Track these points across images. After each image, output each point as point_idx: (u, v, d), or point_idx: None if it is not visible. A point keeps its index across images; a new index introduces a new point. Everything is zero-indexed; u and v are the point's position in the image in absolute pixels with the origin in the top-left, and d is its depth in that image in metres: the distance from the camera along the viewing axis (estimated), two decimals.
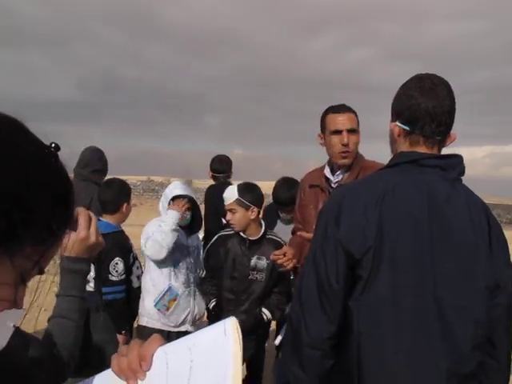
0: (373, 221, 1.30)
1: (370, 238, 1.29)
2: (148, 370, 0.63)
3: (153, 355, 0.64)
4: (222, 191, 4.11)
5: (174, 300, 3.02)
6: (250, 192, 2.85)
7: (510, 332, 1.43)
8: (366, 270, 1.29)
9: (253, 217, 2.81)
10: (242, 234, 2.87)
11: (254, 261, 2.84)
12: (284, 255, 2.38)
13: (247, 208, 2.80)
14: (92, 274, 3.11)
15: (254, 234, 2.87)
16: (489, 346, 1.38)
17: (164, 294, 2.99)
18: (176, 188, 3.12)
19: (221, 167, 4.27)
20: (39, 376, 0.85)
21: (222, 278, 2.91)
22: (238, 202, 2.81)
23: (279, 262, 2.42)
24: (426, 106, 1.37)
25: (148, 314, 3.05)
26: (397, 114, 1.45)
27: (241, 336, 0.61)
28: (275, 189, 3.50)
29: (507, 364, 1.44)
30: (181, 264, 3.08)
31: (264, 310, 2.86)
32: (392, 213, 1.31)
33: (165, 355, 0.64)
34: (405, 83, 1.46)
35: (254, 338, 2.89)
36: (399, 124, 1.43)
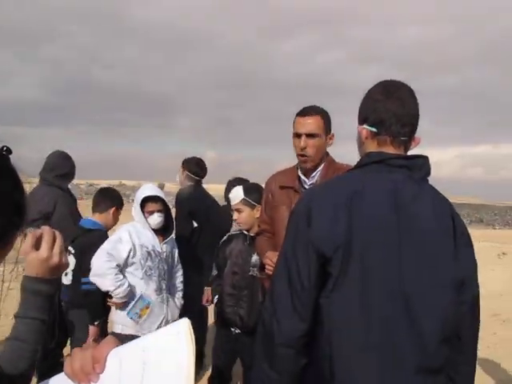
0: (342, 220, 1.33)
1: (340, 236, 1.31)
2: (101, 372, 0.63)
3: (106, 357, 0.64)
4: (196, 194, 4.08)
5: (147, 308, 2.99)
6: (255, 192, 2.97)
7: (476, 327, 1.48)
8: (335, 268, 1.31)
9: (258, 215, 2.93)
10: (245, 231, 2.99)
11: (254, 257, 2.90)
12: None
13: (252, 207, 2.93)
14: (71, 266, 3.24)
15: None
16: (456, 341, 1.42)
17: (136, 303, 2.96)
18: (146, 189, 3.10)
19: (201, 172, 4.21)
20: None
21: (225, 274, 3.00)
22: (244, 201, 2.94)
23: (267, 268, 2.46)
24: (390, 107, 1.44)
25: (122, 321, 3.01)
26: (363, 117, 1.51)
27: (193, 337, 0.62)
28: (227, 188, 3.64)
29: (473, 358, 1.49)
30: (152, 271, 3.04)
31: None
32: (361, 212, 1.34)
33: (118, 357, 0.64)
34: (370, 89, 1.53)
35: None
36: (366, 126, 1.49)
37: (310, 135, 2.36)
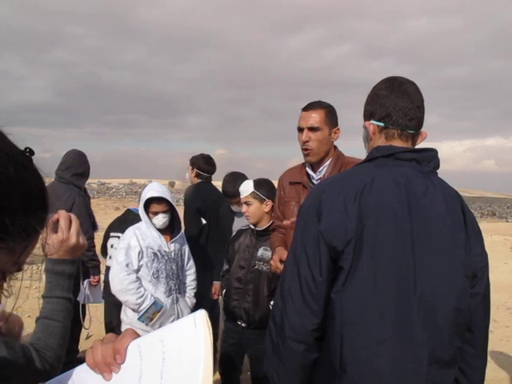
0: (353, 213, 1.33)
1: (351, 229, 1.32)
2: (122, 362, 0.66)
3: (126, 348, 0.66)
4: (204, 191, 4.09)
5: (159, 311, 2.99)
6: (265, 186, 3.02)
7: (488, 319, 1.47)
8: (347, 262, 1.31)
9: (266, 210, 2.98)
10: (252, 226, 3.04)
11: (260, 251, 2.94)
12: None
13: (262, 201, 2.98)
14: (116, 245, 3.35)
15: (265, 226, 3.01)
16: (468, 333, 1.42)
17: (149, 308, 2.95)
18: (151, 190, 3.07)
19: (211, 168, 4.23)
20: (11, 377, 0.84)
21: (232, 268, 3.04)
22: (253, 195, 2.98)
23: (272, 269, 2.53)
24: (397, 101, 1.45)
25: (129, 321, 3.01)
26: (370, 113, 1.52)
27: (211, 327, 0.63)
28: (224, 183, 3.70)
29: (484, 351, 1.49)
30: (159, 273, 3.03)
31: (272, 302, 2.92)
32: (371, 205, 1.34)
33: (138, 348, 0.66)
34: (375, 86, 1.54)
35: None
36: (373, 122, 1.50)
37: (312, 129, 2.39)
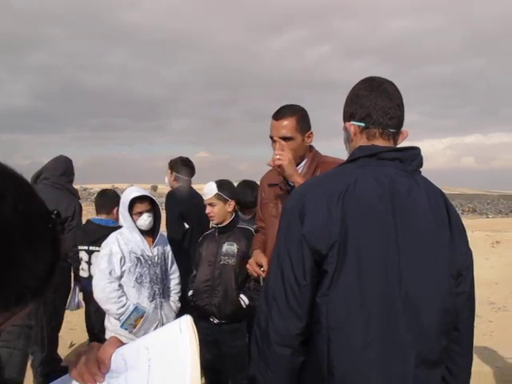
0: (336, 215, 1.31)
1: (335, 232, 1.30)
2: (106, 372, 0.64)
3: (111, 357, 0.65)
4: (187, 195, 4.04)
5: (141, 317, 2.95)
6: (227, 187, 3.19)
7: (473, 317, 1.47)
8: (331, 265, 1.29)
9: (230, 209, 3.15)
10: (214, 224, 3.18)
11: (225, 247, 3.07)
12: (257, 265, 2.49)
13: (225, 202, 3.12)
14: (86, 258, 3.46)
15: (226, 223, 3.14)
16: (454, 332, 1.42)
17: (130, 315, 2.92)
18: (132, 192, 3.08)
19: (190, 171, 4.16)
20: None
21: (200, 268, 3.14)
22: (217, 196, 3.12)
23: (248, 269, 2.55)
24: (376, 101, 1.45)
25: (114, 328, 2.98)
26: (350, 114, 1.51)
27: (196, 333, 0.63)
28: (241, 193, 3.59)
29: (470, 349, 1.49)
30: (143, 278, 3.00)
31: (242, 296, 3.00)
32: (355, 206, 1.33)
33: (122, 356, 0.65)
34: (353, 86, 1.53)
35: (244, 324, 3.04)
36: (354, 122, 1.49)
37: (284, 138, 2.33)
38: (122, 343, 0.68)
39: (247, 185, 3.65)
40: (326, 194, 1.35)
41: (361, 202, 1.33)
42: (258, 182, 3.06)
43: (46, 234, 0.58)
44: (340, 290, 1.29)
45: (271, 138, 2.39)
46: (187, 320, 0.65)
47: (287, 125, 2.34)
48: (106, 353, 0.65)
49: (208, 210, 3.13)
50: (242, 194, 3.52)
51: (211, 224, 3.34)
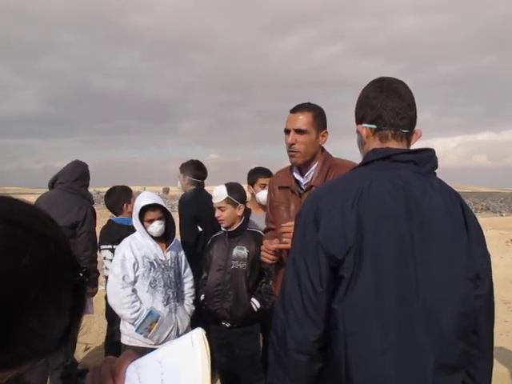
0: (351, 220, 1.30)
1: (350, 237, 1.29)
2: None
3: (125, 371, 0.65)
4: (200, 198, 4.04)
5: (156, 321, 2.96)
6: (237, 191, 3.13)
7: (492, 321, 1.45)
8: (348, 270, 1.28)
9: (239, 213, 3.11)
10: (224, 228, 3.14)
11: (235, 251, 3.05)
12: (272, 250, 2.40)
13: (235, 205, 3.08)
14: (110, 256, 3.50)
15: (236, 227, 3.12)
16: (473, 335, 1.39)
17: (145, 319, 2.93)
18: (144, 198, 3.08)
19: (202, 174, 4.16)
20: None
21: (210, 272, 3.13)
22: (227, 200, 3.07)
23: (262, 254, 2.47)
24: (387, 102, 1.43)
25: (129, 333, 2.99)
26: (361, 116, 1.49)
27: (208, 346, 0.64)
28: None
29: (490, 352, 1.46)
30: (157, 282, 3.01)
31: (253, 299, 2.99)
32: (370, 210, 1.31)
33: (136, 370, 0.66)
34: (364, 88, 1.52)
35: (256, 327, 3.05)
36: (366, 125, 1.47)
37: (298, 131, 2.34)
38: (137, 356, 0.68)
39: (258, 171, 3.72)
40: (340, 199, 1.34)
41: (376, 206, 1.32)
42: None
43: (64, 296, 0.54)
44: (356, 295, 1.28)
45: (285, 130, 2.39)
46: (199, 333, 0.65)
47: (303, 118, 2.36)
48: (120, 366, 0.66)
49: (217, 213, 3.10)
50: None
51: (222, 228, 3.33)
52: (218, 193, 3.11)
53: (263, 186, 3.71)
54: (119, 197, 3.84)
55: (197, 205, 3.98)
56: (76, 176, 3.83)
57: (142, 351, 0.74)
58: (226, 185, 3.14)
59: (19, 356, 0.50)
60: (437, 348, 1.28)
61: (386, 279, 1.28)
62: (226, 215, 3.07)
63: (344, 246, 1.29)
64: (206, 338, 0.64)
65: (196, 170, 4.12)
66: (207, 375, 0.61)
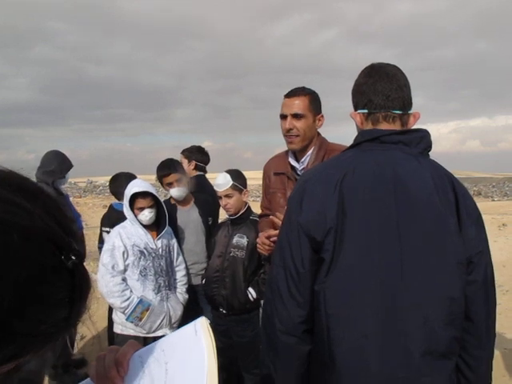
0: (333, 202, 1.29)
1: (330, 219, 1.28)
2: (125, 375, 0.65)
3: (129, 360, 0.66)
4: (204, 184, 3.95)
5: (147, 310, 2.95)
6: (240, 176, 3.11)
7: (490, 308, 1.37)
8: (328, 252, 1.28)
9: (245, 199, 3.10)
10: (229, 216, 3.12)
11: (235, 239, 3.05)
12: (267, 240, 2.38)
13: (241, 191, 3.06)
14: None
15: (239, 214, 3.09)
16: (466, 322, 1.34)
17: (135, 308, 2.92)
18: (134, 186, 3.03)
19: (208, 159, 4.09)
20: None
21: (211, 258, 3.16)
22: (233, 186, 3.03)
23: (258, 246, 2.46)
24: (375, 85, 1.41)
25: (121, 321, 2.99)
26: (355, 104, 1.48)
27: (212, 334, 0.64)
28: None
29: (487, 340, 1.38)
30: (147, 270, 3.00)
31: (250, 289, 2.99)
32: (352, 192, 1.30)
33: (140, 359, 0.66)
34: (357, 77, 1.50)
35: (254, 314, 3.03)
36: (358, 111, 1.46)
37: (295, 116, 2.32)
38: (141, 346, 0.69)
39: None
40: (324, 181, 1.33)
41: (359, 188, 1.30)
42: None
43: (53, 286, 0.48)
44: (337, 278, 1.27)
45: (282, 116, 2.36)
46: (203, 322, 0.65)
47: (299, 103, 2.33)
48: (124, 356, 0.66)
49: (224, 202, 3.04)
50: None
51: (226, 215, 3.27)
52: (223, 180, 3.04)
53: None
54: (122, 183, 3.78)
55: (204, 190, 3.86)
56: (40, 165, 3.81)
57: (133, 340, 0.73)
58: (229, 171, 3.09)
59: (16, 351, 0.45)
60: (422, 334, 1.25)
61: (369, 262, 1.26)
62: (232, 202, 3.03)
63: (324, 227, 1.28)
64: (209, 327, 0.64)
65: (201, 155, 4.06)
66: (213, 363, 0.60)
